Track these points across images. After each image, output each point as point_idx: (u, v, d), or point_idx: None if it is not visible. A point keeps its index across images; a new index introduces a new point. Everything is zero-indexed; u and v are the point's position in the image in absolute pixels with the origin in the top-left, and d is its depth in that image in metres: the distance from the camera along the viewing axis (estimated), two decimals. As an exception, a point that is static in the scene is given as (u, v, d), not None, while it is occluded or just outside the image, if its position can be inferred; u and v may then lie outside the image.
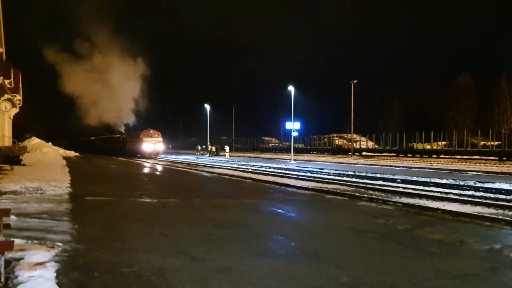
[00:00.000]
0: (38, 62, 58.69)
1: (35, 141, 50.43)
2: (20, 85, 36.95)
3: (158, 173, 24.68)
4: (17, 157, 27.05)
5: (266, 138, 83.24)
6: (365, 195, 12.48)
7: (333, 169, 23.71)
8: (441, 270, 5.21)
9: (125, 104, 57.77)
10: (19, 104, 37.99)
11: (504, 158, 37.17)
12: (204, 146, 58.78)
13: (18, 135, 45.32)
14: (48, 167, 24.25)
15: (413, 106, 67.92)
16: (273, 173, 21.39)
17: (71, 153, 49.53)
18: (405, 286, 4.67)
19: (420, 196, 12.18)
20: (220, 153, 52.75)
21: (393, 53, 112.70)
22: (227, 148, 50.92)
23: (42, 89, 61.80)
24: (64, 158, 39.74)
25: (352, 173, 20.49)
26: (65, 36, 56.70)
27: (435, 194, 12.58)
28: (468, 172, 21.39)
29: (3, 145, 29.89)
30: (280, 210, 10.15)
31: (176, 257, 5.70)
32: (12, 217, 7.86)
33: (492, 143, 43.47)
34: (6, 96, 29.31)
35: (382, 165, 29.02)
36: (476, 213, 9.32)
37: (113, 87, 57.19)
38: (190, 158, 45.55)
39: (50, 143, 52.90)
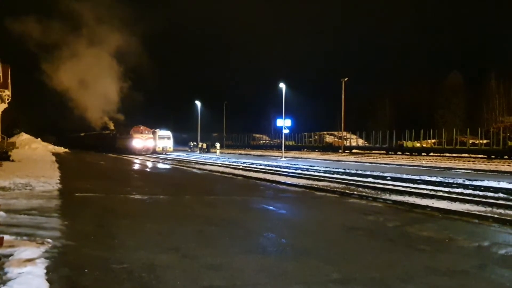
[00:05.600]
0: (28, 57, 58.06)
1: (24, 137, 50.05)
2: (9, 80, 36.51)
3: (148, 169, 24.59)
4: (5, 153, 26.80)
5: (257, 135, 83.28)
6: (355, 192, 12.54)
7: (323, 167, 23.78)
8: (430, 267, 5.26)
9: (115, 100, 57.54)
10: (7, 99, 37.55)
11: (493, 156, 37.54)
12: (195, 143, 58.73)
13: (7, 130, 44.83)
14: (37, 163, 24.06)
15: (403, 104, 68.36)
16: (264, 170, 21.41)
17: (61, 149, 49.22)
18: (395, 282, 4.71)
19: (410, 194, 12.26)
20: (211, 150, 52.71)
21: (384, 52, 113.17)
22: (218, 145, 50.88)
23: (32, 84, 61.15)
24: (54, 154, 39.48)
25: (343, 171, 20.57)
26: (51, 24, 55.98)
27: (425, 191, 12.67)
28: (457, 170, 21.57)
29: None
30: (271, 207, 10.17)
31: (167, 253, 5.69)
32: (1, 213, 7.79)
33: (481, 141, 43.90)
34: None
35: (372, 163, 29.17)
36: (465, 211, 9.40)
37: (101, 82, 56.94)
38: (181, 154, 45.45)
39: (39, 139, 52.53)
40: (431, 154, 45.03)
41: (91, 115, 59.94)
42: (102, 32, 56.78)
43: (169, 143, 49.57)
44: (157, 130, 49.77)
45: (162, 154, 45.94)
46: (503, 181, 14.83)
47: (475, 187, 13.69)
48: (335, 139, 66.75)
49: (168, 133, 50.23)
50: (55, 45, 56.86)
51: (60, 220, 7.79)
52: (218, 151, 48.60)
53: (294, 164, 26.39)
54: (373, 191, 13.02)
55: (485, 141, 43.61)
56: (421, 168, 23.69)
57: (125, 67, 58.05)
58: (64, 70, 56.07)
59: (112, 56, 56.82)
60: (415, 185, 14.45)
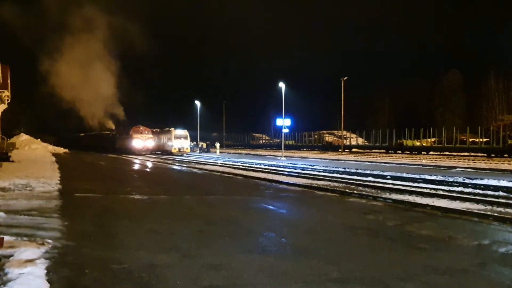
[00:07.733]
0: (28, 57, 57.99)
1: (23, 137, 50.06)
2: (9, 81, 36.51)
3: (148, 169, 24.59)
4: (5, 154, 26.81)
5: (257, 134, 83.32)
6: (355, 192, 12.54)
7: (323, 166, 23.78)
8: (430, 266, 5.26)
9: (113, 93, 57.41)
10: (7, 100, 37.56)
11: (492, 155, 37.55)
12: (195, 143, 58.78)
13: (7, 131, 44.83)
14: (37, 164, 24.08)
15: (403, 103, 68.34)
16: (263, 170, 21.41)
17: (60, 150, 49.20)
18: (395, 281, 4.71)
19: (410, 193, 12.27)
20: (211, 150, 52.73)
21: (383, 51, 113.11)
22: (217, 144, 50.86)
23: (31, 85, 61.12)
24: (53, 154, 39.48)
25: (342, 170, 20.57)
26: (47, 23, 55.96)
27: (425, 190, 12.68)
28: (457, 169, 21.58)
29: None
30: (271, 207, 10.17)
31: (167, 253, 5.69)
32: (1, 214, 7.81)
33: (481, 139, 43.92)
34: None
35: (372, 162, 29.19)
36: (465, 209, 9.41)
37: (99, 82, 56.83)
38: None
39: (39, 139, 52.50)
40: (431, 152, 45.03)
41: (91, 114, 59.87)
42: (98, 24, 56.67)
43: (186, 143, 46.44)
44: (172, 128, 47.53)
45: (178, 156, 42.12)
46: (503, 180, 14.85)
47: (475, 186, 13.70)
48: (335, 138, 66.83)
49: (185, 132, 47.24)
50: (50, 39, 56.84)
51: (60, 220, 7.79)
52: (218, 150, 48.56)
53: (294, 164, 26.40)
54: (373, 190, 13.02)
55: (485, 140, 43.63)
56: (421, 167, 23.69)
57: (124, 65, 58.02)
58: (61, 67, 55.93)
59: (109, 50, 56.71)
60: (415, 184, 14.46)
